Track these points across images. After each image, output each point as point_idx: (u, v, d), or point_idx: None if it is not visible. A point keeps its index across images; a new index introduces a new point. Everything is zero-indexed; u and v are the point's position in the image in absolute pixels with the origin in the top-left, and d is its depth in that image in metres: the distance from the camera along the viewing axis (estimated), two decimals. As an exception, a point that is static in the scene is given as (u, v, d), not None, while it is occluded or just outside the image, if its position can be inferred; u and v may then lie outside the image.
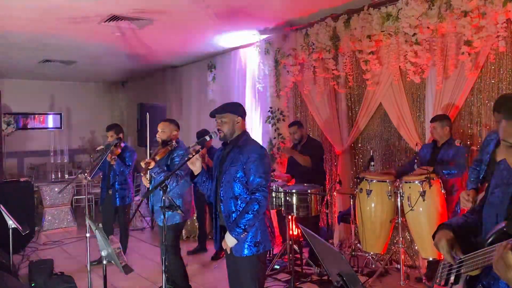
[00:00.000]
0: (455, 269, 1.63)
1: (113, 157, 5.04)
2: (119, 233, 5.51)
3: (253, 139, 2.86)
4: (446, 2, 3.91)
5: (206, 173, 2.87)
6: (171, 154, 3.86)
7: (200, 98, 7.79)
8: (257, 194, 2.61)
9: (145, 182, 3.84)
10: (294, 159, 5.01)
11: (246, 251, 2.66)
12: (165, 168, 3.81)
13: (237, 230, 2.58)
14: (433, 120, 4.09)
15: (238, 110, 2.83)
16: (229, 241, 2.62)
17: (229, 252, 2.69)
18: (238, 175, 2.67)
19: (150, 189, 3.75)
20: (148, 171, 3.73)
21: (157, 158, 3.74)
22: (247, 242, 2.65)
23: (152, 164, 3.68)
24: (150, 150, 3.85)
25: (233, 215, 2.67)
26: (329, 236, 5.34)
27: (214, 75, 7.34)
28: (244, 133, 2.83)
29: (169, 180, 3.43)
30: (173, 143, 3.84)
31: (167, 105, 8.22)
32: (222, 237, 2.74)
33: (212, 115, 2.84)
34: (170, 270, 3.93)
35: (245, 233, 2.60)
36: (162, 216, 3.68)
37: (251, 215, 2.58)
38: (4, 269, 3.90)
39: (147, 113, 3.86)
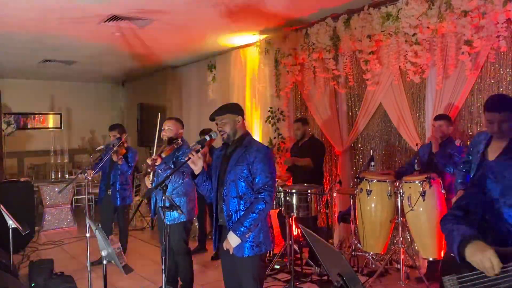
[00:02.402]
0: (500, 280, 1.49)
1: (120, 157, 5.00)
2: (118, 233, 5.50)
3: (256, 140, 2.86)
4: (446, 2, 3.90)
5: (207, 174, 2.86)
6: (177, 152, 3.88)
7: (200, 98, 7.79)
8: (263, 194, 2.60)
9: (147, 182, 3.84)
10: (294, 158, 5.04)
11: (247, 251, 2.64)
12: (172, 165, 3.82)
13: (242, 229, 2.56)
14: (440, 118, 4.05)
15: (237, 109, 2.82)
16: (233, 241, 2.59)
17: (231, 253, 2.65)
18: (244, 174, 2.66)
19: (149, 189, 3.76)
20: (155, 168, 3.74)
21: (163, 155, 3.75)
22: (249, 242, 2.64)
23: (159, 161, 3.70)
24: (150, 150, 3.84)
25: (237, 214, 2.66)
26: (329, 236, 5.34)
27: (214, 75, 7.34)
28: (247, 133, 2.82)
29: (169, 179, 3.43)
30: (179, 141, 3.86)
31: (167, 105, 8.22)
32: (222, 237, 2.73)
33: (212, 118, 2.82)
34: (180, 269, 3.97)
35: (249, 232, 2.59)
36: (167, 214, 3.70)
37: (256, 215, 2.57)
38: (4, 269, 3.90)
39: (158, 117, 3.84)
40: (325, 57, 5.11)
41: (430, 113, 4.43)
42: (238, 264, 2.69)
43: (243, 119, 2.83)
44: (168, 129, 3.96)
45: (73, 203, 7.76)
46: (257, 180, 2.64)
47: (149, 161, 3.72)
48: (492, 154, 2.98)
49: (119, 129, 5.23)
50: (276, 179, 4.86)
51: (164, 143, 3.98)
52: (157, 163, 3.70)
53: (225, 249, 2.68)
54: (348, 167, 5.38)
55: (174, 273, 4.03)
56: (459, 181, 3.37)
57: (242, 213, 2.64)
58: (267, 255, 4.92)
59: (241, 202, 2.66)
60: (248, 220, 2.56)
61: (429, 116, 4.42)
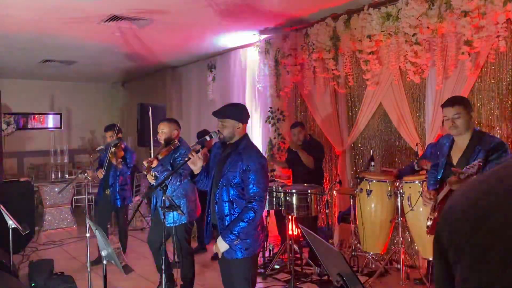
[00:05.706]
0: None
1: (119, 160, 4.98)
2: (118, 233, 5.50)
3: (253, 145, 2.84)
4: (446, 2, 3.91)
5: (205, 171, 2.88)
6: (174, 154, 3.86)
7: (200, 98, 7.79)
8: (253, 203, 2.62)
9: (150, 179, 3.85)
10: (294, 158, 5.02)
11: (237, 254, 2.69)
12: (169, 167, 3.81)
13: (231, 236, 2.60)
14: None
15: (240, 115, 2.79)
16: (221, 246, 2.65)
17: (220, 257, 2.73)
18: (235, 181, 2.68)
19: (150, 188, 3.77)
20: (152, 170, 3.74)
21: (160, 157, 3.75)
22: (238, 246, 2.68)
23: (155, 163, 3.69)
24: (151, 149, 3.84)
25: (227, 218, 2.69)
26: (329, 236, 5.33)
27: (214, 75, 7.34)
28: (244, 137, 2.81)
29: (169, 179, 3.43)
30: (176, 142, 3.85)
31: (167, 105, 8.21)
32: (215, 237, 2.77)
33: (215, 115, 2.84)
34: (181, 269, 3.97)
35: (238, 240, 2.63)
36: (168, 216, 3.70)
37: (246, 223, 2.61)
38: (4, 269, 3.90)
39: (149, 111, 3.85)
40: (325, 57, 5.11)
41: (430, 113, 4.43)
42: (230, 266, 2.74)
43: (245, 124, 2.81)
44: (161, 132, 3.95)
45: (73, 203, 7.76)
46: (248, 188, 2.66)
47: (145, 163, 3.72)
48: (455, 156, 3.12)
49: (115, 129, 5.22)
50: (276, 179, 4.88)
51: (162, 145, 3.98)
52: (153, 165, 3.69)
53: (214, 252, 2.74)
54: (348, 167, 5.38)
55: (167, 268, 4.04)
56: (431, 182, 3.43)
57: (233, 217, 2.68)
58: (268, 255, 4.93)
59: (232, 206, 2.69)
60: (237, 228, 2.60)
61: (429, 116, 4.42)
